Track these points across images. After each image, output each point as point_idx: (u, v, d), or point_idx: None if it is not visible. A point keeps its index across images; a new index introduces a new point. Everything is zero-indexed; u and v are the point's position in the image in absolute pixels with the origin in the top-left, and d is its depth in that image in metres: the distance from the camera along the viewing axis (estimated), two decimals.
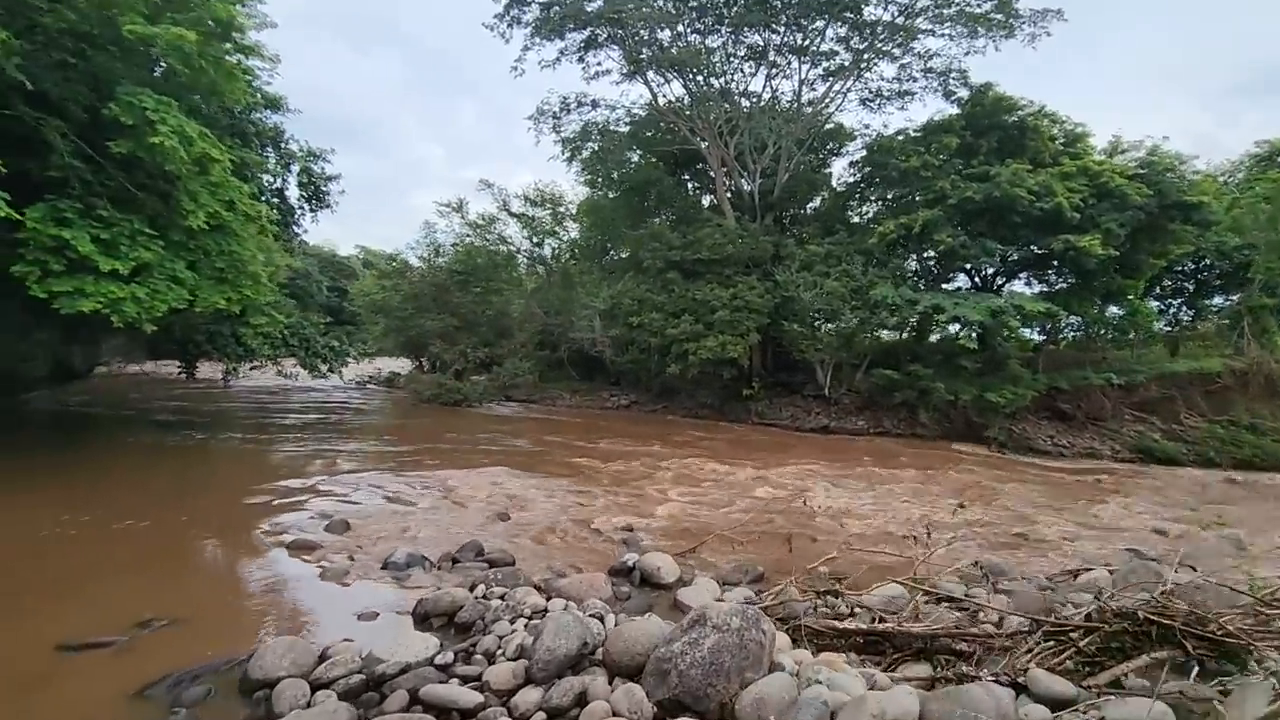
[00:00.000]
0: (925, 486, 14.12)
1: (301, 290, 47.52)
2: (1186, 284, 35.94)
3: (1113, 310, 28.56)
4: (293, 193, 22.09)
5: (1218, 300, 36.94)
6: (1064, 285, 26.15)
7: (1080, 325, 30.31)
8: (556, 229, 33.31)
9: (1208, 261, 31.93)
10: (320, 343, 18.27)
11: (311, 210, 22.58)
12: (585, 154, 34.13)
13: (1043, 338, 29.20)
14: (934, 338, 27.42)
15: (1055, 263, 23.89)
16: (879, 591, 6.12)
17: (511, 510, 9.34)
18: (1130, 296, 26.95)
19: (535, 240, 33.85)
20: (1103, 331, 28.81)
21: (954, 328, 26.39)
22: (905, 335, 28.55)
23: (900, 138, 26.51)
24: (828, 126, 30.37)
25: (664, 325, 24.80)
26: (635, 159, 33.40)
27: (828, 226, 27.38)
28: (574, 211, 36.06)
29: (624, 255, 34.61)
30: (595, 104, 30.79)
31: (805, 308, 23.22)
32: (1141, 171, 23.04)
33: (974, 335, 21.72)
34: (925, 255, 25.55)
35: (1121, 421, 24.22)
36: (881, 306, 22.21)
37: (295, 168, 21.14)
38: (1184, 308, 35.47)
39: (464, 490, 10.50)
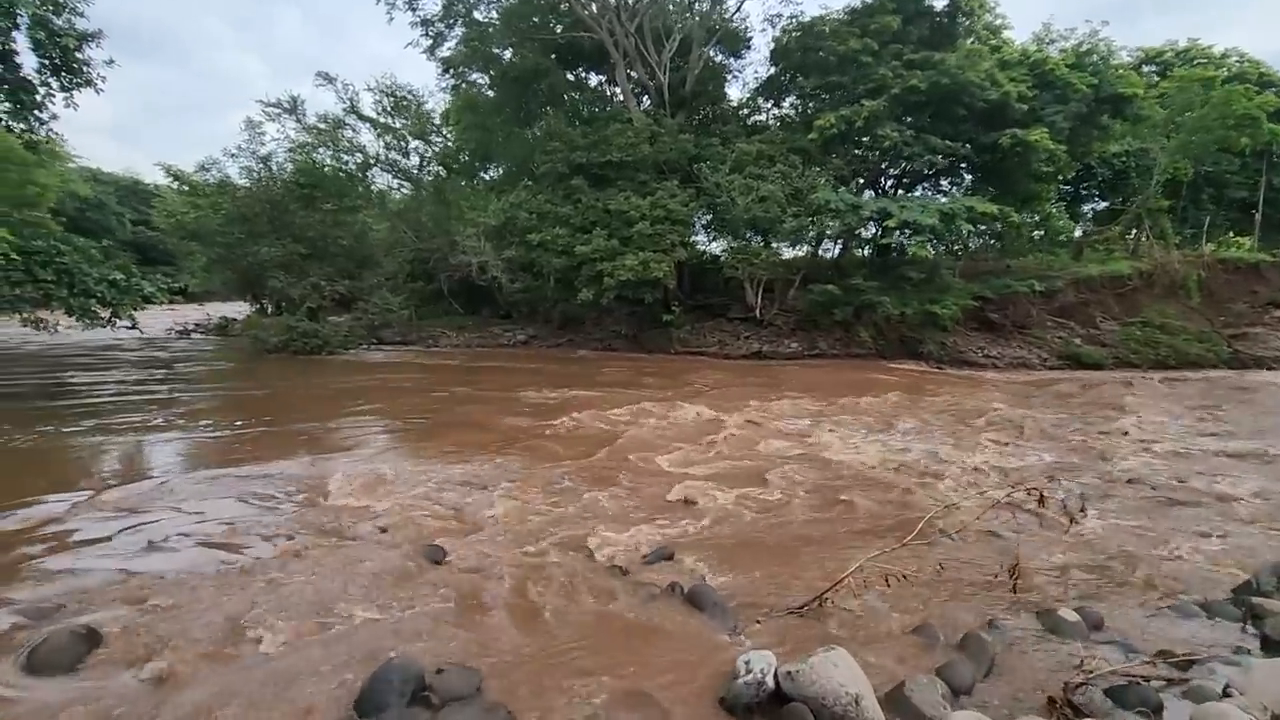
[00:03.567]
0: (936, 418, 11.66)
1: (94, 224, 37.45)
2: (1067, 189, 36.90)
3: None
4: (29, 61, 15.15)
5: (1087, 208, 38.49)
6: (971, 191, 24.83)
7: (983, 234, 29.47)
8: (424, 132, 27.24)
9: (1090, 166, 32.45)
10: (92, 276, 12.36)
11: (64, 88, 15.76)
12: (451, 44, 28.06)
13: (941, 248, 27.88)
14: (865, 249, 25.51)
15: (990, 160, 22.11)
16: None
17: (444, 536, 5.36)
18: (1044, 200, 26.31)
19: (397, 147, 27.61)
20: (1016, 239, 28.12)
21: (867, 235, 24.48)
22: (822, 249, 26.40)
23: (825, 24, 23.29)
24: (737, 13, 26.52)
25: (572, 242, 20.63)
26: (509, 55, 27.80)
27: (749, 125, 24.01)
28: (439, 119, 29.96)
29: (507, 169, 29.36)
30: None
31: (739, 216, 19.92)
32: (1077, 61, 21.61)
33: (927, 243, 19.60)
34: (858, 155, 22.89)
35: (1044, 328, 23.77)
36: (824, 211, 19.42)
37: (24, 17, 14.24)
38: (1065, 214, 36.50)
39: (348, 499, 6.25)
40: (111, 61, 16.08)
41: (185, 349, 22.27)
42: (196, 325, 29.34)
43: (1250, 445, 9.51)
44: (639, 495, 6.60)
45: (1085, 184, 35.35)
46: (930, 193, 26.86)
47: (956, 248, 27.12)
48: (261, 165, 24.62)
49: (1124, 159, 30.96)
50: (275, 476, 7.12)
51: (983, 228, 24.64)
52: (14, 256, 10.12)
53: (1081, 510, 3.99)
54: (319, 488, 6.62)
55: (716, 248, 25.41)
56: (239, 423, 10.01)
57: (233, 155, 23.66)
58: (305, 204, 23.44)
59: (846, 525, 5.27)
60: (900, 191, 25.84)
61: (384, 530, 5.43)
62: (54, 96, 15.70)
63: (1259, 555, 5.47)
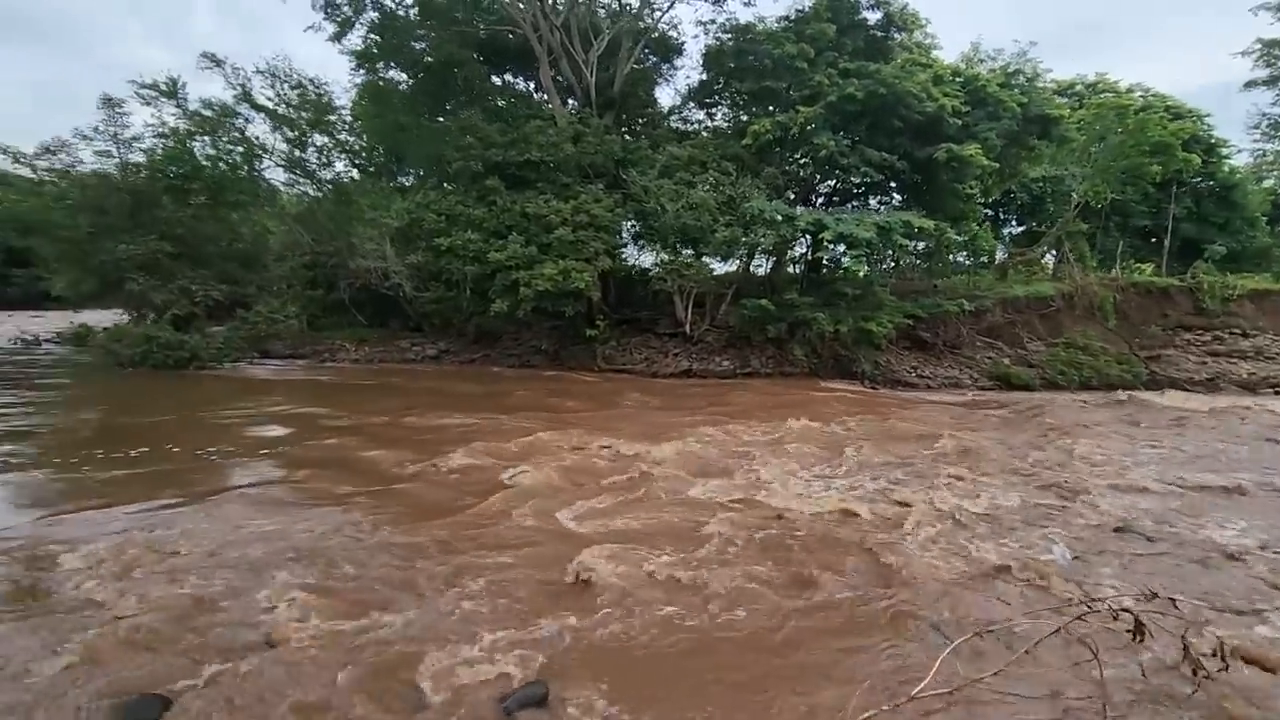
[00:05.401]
0: (886, 447, 10.36)
1: None
2: (988, 212, 37.61)
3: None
4: None
5: (1006, 231, 39.46)
6: (901, 209, 24.46)
7: (913, 252, 29.32)
8: (323, 123, 24.50)
9: (1010, 191, 33.09)
10: None
11: None
12: (360, 30, 25.60)
13: (875, 264, 27.47)
14: (792, 266, 24.59)
15: (922, 178, 21.64)
16: None
17: (190, 662, 3.40)
18: (972, 220, 26.26)
19: (295, 140, 24.73)
20: (944, 259, 27.98)
21: (800, 250, 23.81)
22: (754, 264, 25.36)
23: (760, 30, 22.38)
24: (669, 13, 25.34)
25: (485, 248, 18.64)
26: (424, 48, 25.62)
27: (680, 132, 22.74)
28: (347, 114, 27.29)
29: (427, 169, 26.95)
30: None
31: (668, 224, 18.47)
32: (1006, 81, 21.49)
33: (861, 258, 18.76)
34: (791, 169, 21.99)
35: (974, 348, 23.48)
36: (757, 222, 18.24)
37: None
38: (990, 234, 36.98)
39: (74, 592, 4.15)
40: None
41: (26, 361, 18.93)
42: (59, 334, 25.49)
43: (1212, 477, 8.63)
44: (523, 573, 4.79)
45: (1004, 207, 36.19)
46: (860, 209, 26.42)
47: (884, 265, 26.73)
48: (125, 149, 21.38)
49: (1041, 184, 31.69)
50: None
51: (916, 244, 24.25)
52: None
53: (1219, 656, 2.48)
54: (46, 570, 4.46)
55: (646, 260, 24.02)
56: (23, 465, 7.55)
57: (86, 138, 20.33)
58: (177, 197, 20.45)
59: (812, 621, 3.68)
60: (831, 208, 25.20)
61: (83, 664, 3.38)
62: None
63: None
